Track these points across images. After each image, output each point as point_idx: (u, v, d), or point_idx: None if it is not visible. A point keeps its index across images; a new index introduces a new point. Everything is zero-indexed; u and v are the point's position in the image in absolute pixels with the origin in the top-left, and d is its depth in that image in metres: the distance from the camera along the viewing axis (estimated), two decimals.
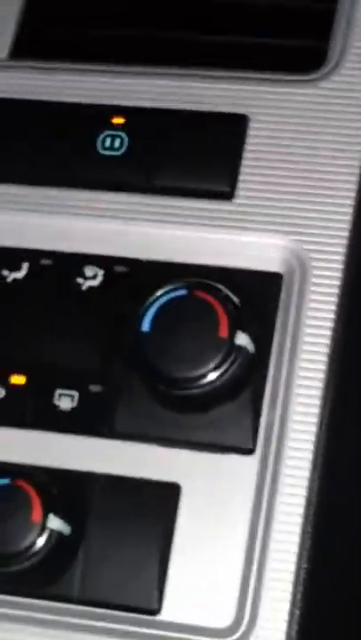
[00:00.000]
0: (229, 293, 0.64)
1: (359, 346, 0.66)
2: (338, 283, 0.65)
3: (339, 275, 0.65)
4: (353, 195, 0.66)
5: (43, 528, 0.61)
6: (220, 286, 0.64)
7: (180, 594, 0.62)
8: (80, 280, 0.68)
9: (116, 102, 0.70)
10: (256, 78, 0.70)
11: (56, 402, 0.66)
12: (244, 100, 0.69)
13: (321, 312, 0.64)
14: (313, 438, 0.63)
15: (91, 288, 0.68)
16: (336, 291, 0.65)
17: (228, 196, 0.67)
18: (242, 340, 0.63)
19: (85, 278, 0.68)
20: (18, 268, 0.69)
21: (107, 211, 0.69)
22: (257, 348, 0.64)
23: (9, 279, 0.69)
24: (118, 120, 0.70)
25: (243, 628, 0.61)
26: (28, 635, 0.62)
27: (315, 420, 0.63)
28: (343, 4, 0.72)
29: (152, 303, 0.64)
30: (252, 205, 0.67)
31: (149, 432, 0.65)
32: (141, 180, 0.69)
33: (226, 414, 0.64)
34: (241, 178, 0.68)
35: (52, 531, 0.62)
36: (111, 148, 0.69)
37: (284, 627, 0.60)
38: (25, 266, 0.69)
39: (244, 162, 0.68)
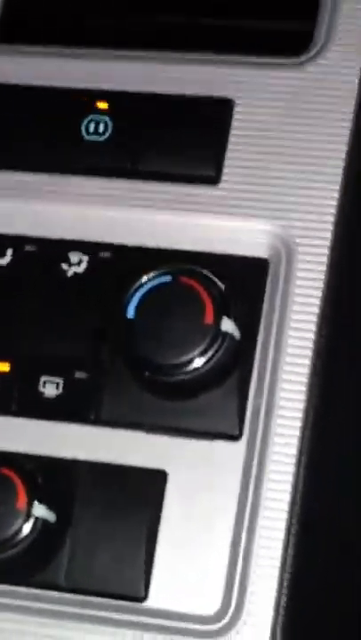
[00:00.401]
0: (215, 279, 0.64)
1: (346, 331, 0.66)
2: (324, 268, 0.64)
3: (325, 260, 0.64)
4: (339, 179, 0.66)
5: (28, 516, 0.61)
6: (206, 272, 0.64)
7: (167, 581, 0.62)
8: (65, 266, 0.68)
9: (100, 87, 0.70)
10: (242, 62, 0.69)
11: (41, 389, 0.65)
12: (229, 83, 0.68)
13: (307, 297, 0.64)
14: (300, 424, 0.62)
15: (75, 274, 0.67)
16: (322, 276, 0.64)
17: (213, 180, 0.67)
18: (227, 326, 0.63)
19: (70, 264, 0.68)
20: (2, 255, 0.68)
21: (91, 196, 0.68)
22: (243, 333, 0.64)
23: None
24: (102, 105, 0.69)
25: (229, 614, 0.61)
26: (13, 622, 0.62)
27: (301, 405, 0.62)
28: None
29: (137, 289, 0.64)
30: (238, 190, 0.67)
31: (135, 419, 0.64)
32: (126, 164, 0.68)
33: (212, 401, 0.64)
34: (226, 162, 0.67)
35: (37, 518, 0.61)
36: (95, 132, 0.69)
37: (270, 613, 0.60)
38: (9, 252, 0.68)
39: (229, 146, 0.67)
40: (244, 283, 0.65)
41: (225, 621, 0.61)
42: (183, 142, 0.68)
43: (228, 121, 0.68)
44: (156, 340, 0.63)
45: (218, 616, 0.61)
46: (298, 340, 0.64)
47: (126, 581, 0.62)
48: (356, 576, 0.66)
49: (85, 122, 0.69)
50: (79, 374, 0.65)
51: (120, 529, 0.62)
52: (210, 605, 0.61)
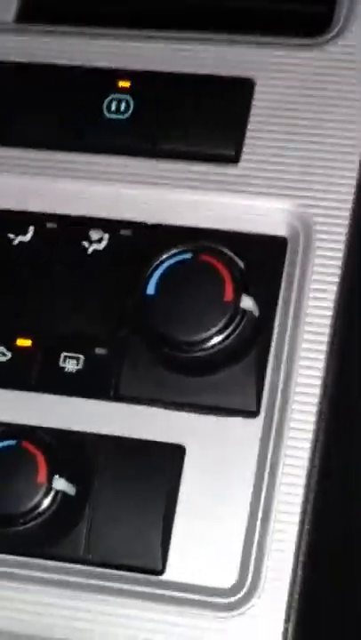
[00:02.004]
0: (234, 257, 0.64)
1: None
2: (342, 247, 0.65)
3: (343, 238, 0.65)
4: (358, 159, 0.66)
5: (48, 489, 0.62)
6: (225, 250, 0.64)
7: (184, 554, 0.63)
8: (85, 244, 0.68)
9: (121, 66, 0.70)
10: (262, 42, 0.70)
11: (62, 364, 0.66)
12: (249, 63, 0.69)
13: (325, 275, 0.65)
14: (316, 401, 0.63)
15: (96, 251, 0.68)
16: (340, 254, 0.65)
17: (233, 159, 0.67)
18: (247, 303, 0.63)
19: (91, 242, 0.68)
20: (24, 232, 0.69)
21: (112, 174, 0.69)
22: (261, 311, 0.64)
23: (15, 242, 0.69)
24: (124, 84, 0.70)
25: (246, 587, 0.61)
26: (33, 594, 0.63)
27: (318, 382, 0.63)
28: None
29: (157, 266, 0.64)
30: (258, 169, 0.67)
31: (154, 395, 0.65)
32: (147, 143, 0.69)
33: (230, 377, 0.64)
34: (246, 142, 0.68)
35: (57, 491, 0.62)
36: (117, 111, 0.69)
37: (286, 587, 0.61)
38: (31, 229, 0.69)
39: (249, 126, 0.68)
40: (262, 261, 0.66)
41: (241, 594, 0.61)
42: (204, 122, 0.68)
43: (249, 101, 0.68)
44: (175, 316, 0.63)
45: (234, 589, 0.62)
46: (316, 318, 0.64)
47: (144, 554, 0.63)
48: None
49: (107, 101, 0.69)
50: (99, 350, 0.66)
51: (138, 502, 0.63)
52: (226, 579, 0.62)
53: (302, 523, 0.62)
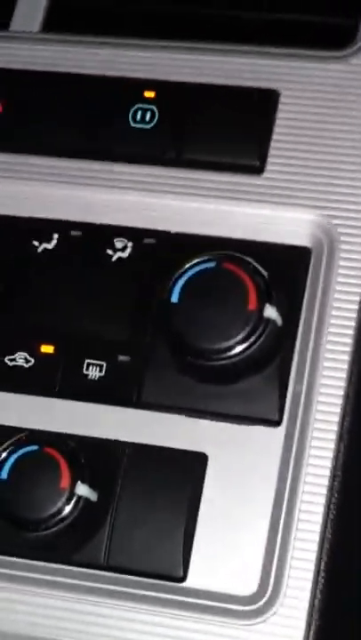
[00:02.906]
0: (258, 266, 0.65)
1: None
2: None
3: None
4: None
5: (71, 495, 0.62)
6: (249, 259, 0.65)
7: (206, 562, 0.63)
8: (109, 251, 0.69)
9: (147, 76, 0.71)
10: (287, 54, 0.70)
11: (85, 371, 0.67)
12: (274, 75, 0.70)
13: (349, 286, 0.65)
14: (339, 411, 0.63)
15: (120, 259, 0.68)
16: None
17: (257, 170, 0.68)
18: (270, 312, 0.64)
19: (115, 250, 0.69)
20: (48, 239, 0.70)
21: (137, 183, 0.69)
22: (285, 320, 0.65)
23: (39, 250, 0.69)
24: (149, 94, 0.70)
25: (267, 595, 0.62)
26: (55, 599, 0.63)
27: (341, 392, 0.63)
28: None
29: (181, 275, 0.65)
30: (282, 180, 0.68)
31: (176, 402, 0.65)
32: (171, 153, 0.69)
33: (253, 386, 0.65)
34: (271, 152, 0.68)
35: (79, 497, 0.63)
36: (142, 120, 0.70)
37: (307, 595, 0.61)
38: (55, 237, 0.70)
39: (274, 136, 0.68)
40: (286, 270, 0.66)
41: (262, 603, 0.62)
42: (228, 132, 0.69)
43: (274, 112, 0.69)
44: (198, 324, 0.64)
45: (255, 597, 0.62)
46: (339, 328, 0.64)
47: (165, 561, 0.63)
48: None
49: (132, 110, 0.70)
50: (122, 358, 0.66)
51: (160, 509, 0.63)
52: (247, 587, 0.62)
53: (324, 532, 0.62)
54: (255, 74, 0.70)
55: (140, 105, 0.70)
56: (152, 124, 0.70)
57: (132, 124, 0.70)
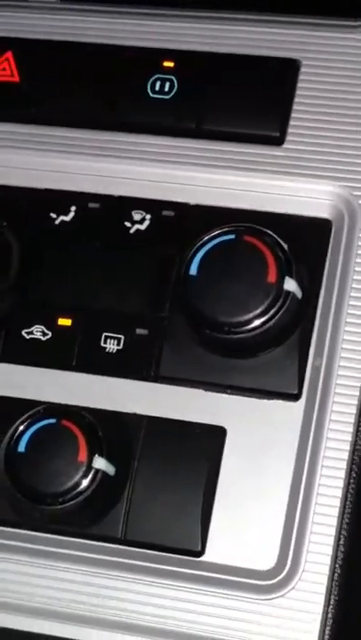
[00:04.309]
0: (278, 238, 0.64)
1: None
2: None
3: None
4: None
5: (88, 468, 0.62)
6: (269, 231, 0.64)
7: (224, 536, 0.62)
8: (128, 224, 0.68)
9: (166, 46, 0.70)
10: (308, 23, 0.69)
11: (103, 344, 0.66)
12: (295, 44, 0.69)
13: None
14: (359, 384, 0.62)
15: (138, 232, 0.68)
16: None
17: (277, 141, 0.67)
18: (290, 285, 0.63)
19: (133, 222, 0.68)
20: (66, 212, 0.69)
21: (155, 154, 0.68)
22: (305, 293, 0.64)
23: (57, 222, 0.69)
24: (168, 63, 0.69)
25: (286, 570, 0.61)
26: (73, 573, 0.63)
27: None
28: None
29: (200, 247, 0.64)
30: (302, 151, 0.67)
31: (195, 376, 0.65)
32: (191, 124, 0.68)
33: (272, 360, 0.64)
34: (291, 123, 0.67)
35: (97, 471, 0.62)
36: (161, 91, 0.69)
37: (326, 570, 0.61)
38: (73, 209, 0.69)
39: (294, 107, 0.67)
40: (306, 243, 0.65)
41: (281, 577, 0.61)
42: (248, 103, 0.68)
43: (294, 82, 0.68)
44: (217, 297, 0.63)
45: (274, 572, 0.62)
46: (359, 301, 0.64)
47: (183, 536, 0.63)
48: None
49: (151, 80, 0.69)
50: (140, 331, 0.66)
51: (178, 483, 0.63)
52: (266, 561, 0.62)
53: (343, 506, 0.61)
54: (275, 43, 0.69)
55: (159, 75, 0.69)
56: (171, 95, 0.69)
57: (151, 95, 0.69)
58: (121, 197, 0.69)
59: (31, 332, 0.67)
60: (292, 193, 0.66)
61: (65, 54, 0.71)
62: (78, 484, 0.62)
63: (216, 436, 0.64)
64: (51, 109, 0.70)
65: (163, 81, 0.69)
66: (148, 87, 0.69)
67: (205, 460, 0.63)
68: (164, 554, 0.63)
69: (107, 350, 0.66)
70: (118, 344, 0.66)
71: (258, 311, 0.63)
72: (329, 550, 0.61)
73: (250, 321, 0.63)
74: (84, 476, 0.62)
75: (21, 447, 0.63)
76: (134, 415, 0.65)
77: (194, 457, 0.63)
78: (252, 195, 0.67)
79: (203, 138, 0.68)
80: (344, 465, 0.62)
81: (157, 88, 0.69)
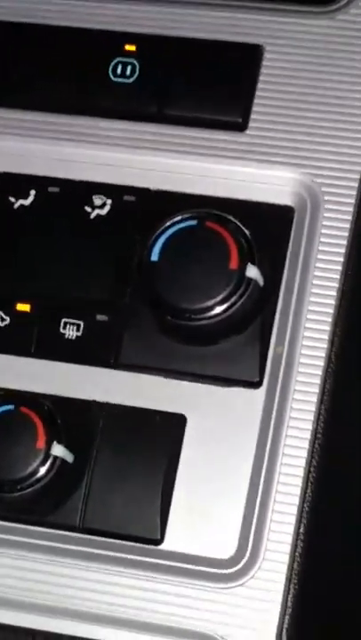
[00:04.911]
0: (240, 225, 0.63)
1: None
2: (350, 217, 0.64)
3: (351, 209, 0.64)
4: None
5: (46, 455, 0.61)
6: (231, 218, 0.64)
7: (183, 524, 0.62)
8: (88, 209, 0.67)
9: (128, 29, 0.69)
10: (272, 8, 0.69)
11: (62, 330, 0.65)
12: (259, 30, 0.68)
13: (332, 246, 0.64)
14: (320, 373, 0.62)
15: (99, 217, 0.67)
16: (347, 225, 0.64)
17: (240, 127, 0.66)
18: (252, 272, 0.62)
19: (93, 207, 0.67)
20: (25, 195, 0.68)
21: (116, 139, 0.68)
22: (267, 280, 0.63)
23: (16, 206, 0.68)
24: (130, 47, 0.69)
25: (245, 559, 0.61)
26: (29, 561, 0.62)
27: (322, 354, 0.62)
28: None
29: (161, 233, 0.63)
30: (265, 137, 0.66)
31: (155, 363, 0.64)
32: (152, 108, 0.68)
33: (233, 347, 0.64)
34: (254, 109, 0.67)
35: (55, 458, 0.61)
36: (123, 75, 0.68)
37: (286, 559, 0.60)
38: (32, 193, 0.68)
39: (257, 93, 0.67)
40: (269, 230, 0.65)
41: (240, 566, 0.61)
42: (211, 88, 0.67)
43: (257, 67, 0.67)
44: (179, 283, 0.62)
45: (233, 560, 0.61)
46: (321, 289, 0.63)
47: (143, 524, 0.62)
48: None
49: (113, 64, 0.68)
50: (100, 317, 0.65)
51: (138, 471, 0.62)
52: (226, 549, 0.61)
53: (303, 495, 0.61)
54: (239, 28, 0.68)
55: (121, 59, 0.69)
56: (133, 79, 0.68)
57: (113, 79, 0.68)
58: (81, 182, 0.68)
59: None
60: (254, 179, 0.66)
61: (25, 37, 0.70)
62: (36, 471, 0.61)
63: (176, 423, 0.63)
64: (9, 92, 0.69)
65: (125, 65, 0.68)
66: (110, 71, 0.68)
67: (165, 448, 0.63)
68: (123, 542, 0.62)
69: (66, 336, 0.65)
70: (78, 330, 0.65)
71: (219, 298, 0.62)
72: (289, 539, 0.60)
73: (211, 307, 0.62)
74: (43, 463, 0.61)
75: None
76: (94, 402, 0.64)
77: (154, 445, 0.63)
78: (215, 181, 0.66)
79: (165, 122, 0.67)
80: (305, 453, 0.61)
81: (119, 72, 0.68)
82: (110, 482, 0.63)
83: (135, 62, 0.68)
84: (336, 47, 0.67)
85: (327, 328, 0.63)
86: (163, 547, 0.62)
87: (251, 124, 0.67)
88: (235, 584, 0.61)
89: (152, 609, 0.61)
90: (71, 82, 0.68)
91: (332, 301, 0.63)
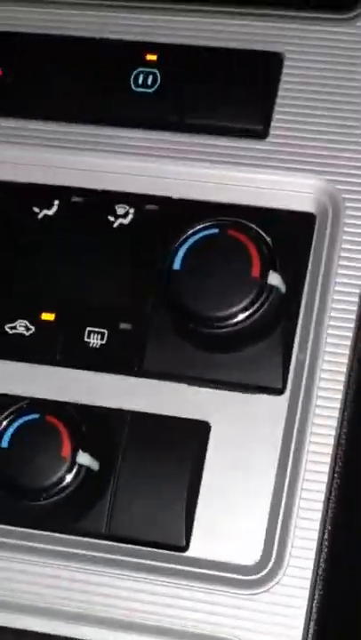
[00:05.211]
0: (262, 233, 0.64)
1: None
2: None
3: None
4: None
5: (72, 463, 0.62)
6: (253, 225, 0.64)
7: (208, 531, 0.62)
8: (111, 218, 0.68)
9: (149, 39, 0.70)
10: (292, 16, 0.69)
11: (86, 339, 0.66)
12: (279, 37, 0.68)
13: (353, 252, 0.64)
14: (343, 379, 0.62)
15: (122, 226, 0.67)
16: None
17: (261, 134, 0.67)
18: (274, 279, 0.63)
19: (116, 216, 0.68)
20: (49, 206, 0.69)
21: (139, 148, 0.68)
22: (288, 287, 0.64)
23: (40, 216, 0.68)
24: (151, 57, 0.69)
25: (270, 565, 0.61)
26: (56, 569, 0.63)
27: (345, 360, 0.63)
28: None
29: (184, 241, 0.64)
30: (286, 145, 0.67)
31: (178, 371, 0.65)
32: (174, 117, 0.68)
33: (256, 354, 0.64)
34: (275, 117, 0.67)
35: (80, 466, 0.62)
36: (144, 85, 0.69)
37: (311, 565, 0.60)
38: (56, 203, 0.69)
39: (278, 100, 0.67)
40: (290, 237, 0.65)
41: (265, 572, 0.61)
42: (232, 96, 0.68)
43: (278, 75, 0.67)
44: (201, 292, 0.63)
45: (258, 567, 0.61)
46: (343, 295, 0.64)
47: (168, 530, 0.62)
48: None
49: (134, 74, 0.69)
50: (124, 325, 0.66)
51: (162, 478, 0.63)
52: (250, 556, 0.62)
53: (327, 501, 0.61)
54: (259, 36, 0.69)
55: (142, 69, 0.69)
56: (154, 88, 0.69)
57: (134, 89, 0.69)
58: (104, 191, 0.68)
59: (14, 327, 0.67)
60: (275, 187, 0.66)
61: (48, 48, 0.71)
62: (62, 479, 0.62)
63: (200, 430, 0.63)
64: (33, 103, 0.70)
65: (146, 74, 0.69)
66: (132, 81, 0.69)
67: (190, 455, 0.63)
68: (149, 549, 0.63)
69: (90, 345, 0.66)
70: (102, 339, 0.66)
71: (242, 305, 0.62)
72: (313, 545, 0.61)
73: (234, 315, 0.63)
74: (68, 471, 0.62)
75: (4, 443, 0.62)
76: (118, 410, 0.64)
77: (178, 452, 0.63)
78: (236, 188, 0.67)
79: (186, 131, 0.68)
80: (328, 459, 0.61)
81: (140, 82, 0.69)
82: (135, 489, 0.63)
83: (156, 72, 0.69)
84: (355, 53, 0.67)
85: (350, 334, 0.63)
86: (188, 553, 0.62)
87: (272, 132, 0.67)
88: (260, 590, 0.61)
89: (177, 615, 0.61)
90: (93, 92, 0.69)
91: (355, 307, 0.63)
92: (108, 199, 0.68)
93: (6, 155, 0.69)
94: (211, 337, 0.63)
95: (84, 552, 0.63)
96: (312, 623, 0.60)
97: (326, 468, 0.61)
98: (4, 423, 0.63)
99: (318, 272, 0.65)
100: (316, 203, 0.66)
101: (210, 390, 0.64)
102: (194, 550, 0.62)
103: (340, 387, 0.62)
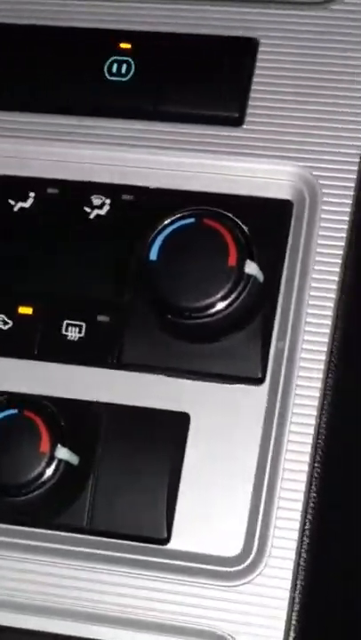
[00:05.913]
0: (238, 221, 0.63)
1: None
2: (348, 209, 0.64)
3: (349, 201, 0.64)
4: None
5: (51, 458, 0.61)
6: (229, 214, 0.63)
7: (189, 523, 0.62)
8: (87, 209, 0.67)
9: (123, 27, 0.69)
10: (265, 1, 0.68)
11: (64, 332, 0.65)
12: (253, 23, 0.68)
13: (331, 240, 0.63)
14: (323, 367, 0.62)
15: (98, 217, 0.67)
16: (346, 217, 0.63)
17: (237, 122, 0.66)
18: (251, 268, 0.62)
19: (92, 207, 0.67)
20: (24, 198, 0.68)
21: (114, 138, 0.67)
22: (266, 276, 0.63)
23: (15, 209, 0.68)
24: (125, 45, 0.68)
25: (252, 556, 0.61)
26: (37, 564, 0.62)
27: (324, 349, 0.62)
28: None
29: (160, 232, 0.63)
30: (262, 132, 0.66)
31: (157, 362, 0.64)
32: (149, 106, 0.67)
33: (235, 344, 0.63)
34: (250, 103, 0.66)
35: (60, 461, 0.62)
36: (118, 73, 0.68)
37: (292, 556, 0.60)
38: (31, 195, 0.68)
39: (253, 87, 0.66)
40: (267, 225, 0.64)
41: (247, 563, 0.61)
42: (206, 83, 0.67)
43: (253, 61, 0.67)
44: (178, 282, 0.62)
45: (240, 558, 0.61)
46: (321, 283, 0.63)
47: (149, 524, 0.62)
48: None
49: (108, 62, 0.68)
50: (101, 317, 0.65)
51: (143, 471, 0.62)
52: (232, 548, 0.61)
53: (308, 491, 0.61)
54: (233, 22, 0.68)
55: (116, 57, 0.68)
56: (128, 77, 0.68)
57: (109, 77, 0.68)
58: (80, 182, 0.68)
59: None
60: (252, 174, 0.66)
61: (20, 37, 0.70)
62: (41, 474, 0.61)
63: (180, 422, 0.63)
64: (5, 93, 0.69)
65: (120, 63, 0.68)
66: (105, 69, 0.68)
67: (170, 447, 0.62)
68: (130, 542, 0.62)
69: (68, 338, 0.65)
70: (80, 332, 0.65)
71: (219, 295, 0.62)
72: (295, 535, 0.60)
73: (211, 305, 0.62)
74: (47, 466, 0.61)
75: None
76: (97, 403, 0.64)
77: (158, 444, 0.63)
78: (212, 177, 0.66)
79: (161, 120, 0.67)
80: (309, 449, 0.61)
81: (115, 70, 0.68)
82: (115, 482, 0.63)
83: (130, 60, 0.68)
84: (331, 38, 0.66)
85: (328, 322, 0.62)
86: (169, 546, 0.62)
87: (247, 119, 0.66)
88: (242, 581, 0.61)
89: (160, 608, 0.61)
90: (67, 82, 0.68)
91: (333, 295, 0.63)
92: (83, 190, 0.67)
93: None
94: (189, 328, 0.63)
95: (64, 547, 0.62)
96: (295, 613, 0.60)
97: (307, 457, 0.61)
98: None
99: (296, 259, 0.64)
100: (293, 190, 0.65)
101: (189, 381, 0.64)
102: (175, 543, 0.62)
103: (320, 375, 0.62)
